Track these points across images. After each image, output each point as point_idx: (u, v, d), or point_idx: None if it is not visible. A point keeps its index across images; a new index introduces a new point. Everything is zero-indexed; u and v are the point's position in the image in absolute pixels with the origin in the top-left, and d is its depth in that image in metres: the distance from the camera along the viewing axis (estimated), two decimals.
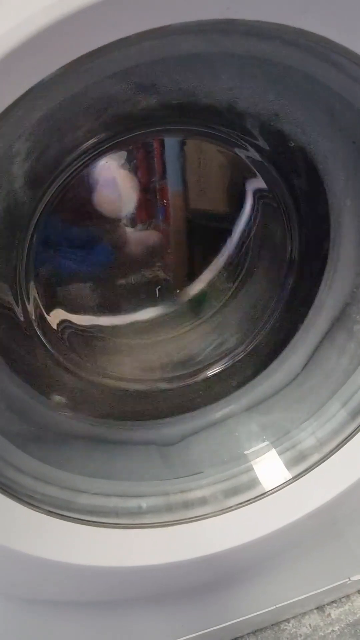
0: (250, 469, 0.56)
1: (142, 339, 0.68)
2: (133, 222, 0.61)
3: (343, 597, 0.72)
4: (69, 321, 0.63)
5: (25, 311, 0.56)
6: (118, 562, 0.47)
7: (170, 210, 0.62)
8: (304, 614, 0.71)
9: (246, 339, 0.66)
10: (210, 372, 0.65)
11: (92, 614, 0.54)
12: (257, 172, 0.59)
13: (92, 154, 0.52)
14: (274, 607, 0.65)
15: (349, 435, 0.53)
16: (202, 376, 0.65)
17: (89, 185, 0.56)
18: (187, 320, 0.68)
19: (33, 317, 0.57)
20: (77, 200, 0.56)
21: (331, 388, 0.57)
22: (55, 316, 0.61)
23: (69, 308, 0.62)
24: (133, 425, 0.60)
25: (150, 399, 0.64)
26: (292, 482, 0.53)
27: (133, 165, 0.57)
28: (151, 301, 0.67)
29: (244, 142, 0.55)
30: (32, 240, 0.54)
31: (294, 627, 0.70)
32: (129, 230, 0.61)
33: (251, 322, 0.66)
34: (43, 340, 0.58)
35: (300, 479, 0.53)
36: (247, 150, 0.57)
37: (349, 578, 0.68)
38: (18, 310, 0.55)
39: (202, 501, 0.53)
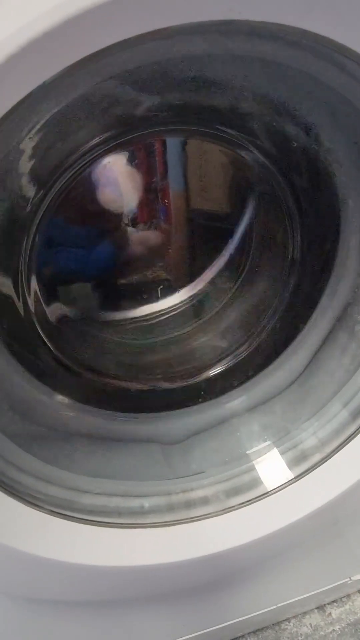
0: (252, 468, 0.56)
1: (144, 338, 0.68)
2: (135, 221, 0.61)
3: (344, 596, 0.72)
4: (71, 319, 0.63)
5: (27, 310, 0.56)
6: (120, 561, 0.47)
7: (171, 210, 0.62)
8: (305, 613, 0.71)
9: (248, 338, 0.66)
10: (212, 372, 0.65)
11: (93, 613, 0.54)
12: (259, 172, 0.59)
13: (94, 154, 0.52)
14: (274, 606, 0.65)
15: (350, 436, 0.53)
16: (203, 376, 0.65)
17: (91, 185, 0.56)
18: (188, 319, 0.68)
19: (34, 316, 0.57)
20: (80, 200, 0.56)
21: (333, 388, 0.57)
22: (57, 315, 0.61)
23: (70, 307, 0.62)
24: (135, 425, 0.60)
25: (152, 399, 0.64)
26: (293, 482, 0.53)
27: (135, 165, 0.57)
28: (153, 300, 0.67)
29: (246, 143, 0.55)
30: (35, 238, 0.54)
31: (295, 626, 0.70)
32: (130, 229, 0.62)
33: (252, 321, 0.66)
34: (45, 339, 0.58)
35: (302, 479, 0.53)
36: (249, 150, 0.57)
37: (350, 578, 0.68)
38: (20, 309, 0.56)
39: (204, 501, 0.53)
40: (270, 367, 0.62)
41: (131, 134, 0.52)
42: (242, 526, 0.51)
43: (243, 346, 0.66)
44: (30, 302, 0.56)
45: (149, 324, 0.67)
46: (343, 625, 0.70)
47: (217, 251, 0.67)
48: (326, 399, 0.57)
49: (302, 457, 0.55)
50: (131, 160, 0.57)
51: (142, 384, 0.65)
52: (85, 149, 0.51)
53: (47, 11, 0.29)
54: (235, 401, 0.62)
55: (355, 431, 0.53)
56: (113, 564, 0.47)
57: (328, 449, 0.54)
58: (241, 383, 0.63)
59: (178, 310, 0.68)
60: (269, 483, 0.54)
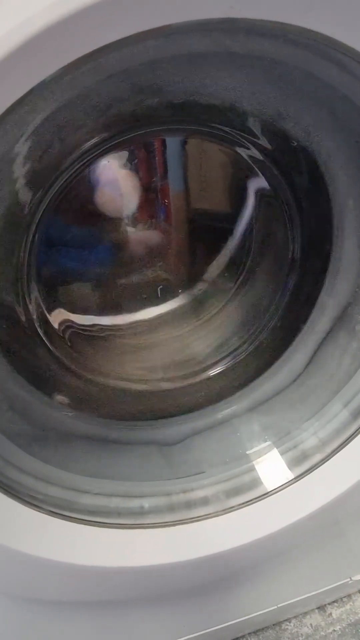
0: (252, 469, 0.55)
1: (144, 338, 0.67)
2: (134, 221, 0.61)
3: (344, 596, 0.72)
4: (71, 321, 0.63)
5: (26, 311, 0.56)
6: (120, 562, 0.47)
7: (171, 209, 0.62)
8: (306, 613, 0.71)
9: (248, 338, 0.66)
10: (212, 372, 0.65)
11: (93, 614, 0.54)
12: (259, 172, 0.59)
13: (93, 154, 0.52)
14: (275, 606, 0.65)
15: (351, 436, 0.53)
16: (203, 376, 0.65)
17: (90, 185, 0.56)
18: (188, 320, 0.68)
19: (34, 317, 0.57)
20: (79, 200, 0.55)
21: (333, 388, 0.57)
22: (57, 316, 0.61)
23: (70, 308, 0.62)
24: (135, 425, 0.60)
25: (152, 399, 0.64)
26: (294, 482, 0.53)
27: (134, 165, 0.57)
28: (153, 301, 0.67)
29: (246, 142, 0.55)
30: (34, 240, 0.54)
31: (296, 626, 0.70)
32: (130, 230, 0.61)
33: (253, 321, 0.66)
34: (44, 339, 0.58)
35: (303, 479, 0.53)
36: (249, 149, 0.56)
37: (351, 578, 0.68)
38: (19, 310, 0.55)
39: (204, 501, 0.53)
40: (271, 367, 0.62)
41: (130, 134, 0.52)
42: (243, 526, 0.51)
43: (243, 346, 0.65)
44: (30, 302, 0.56)
45: (149, 324, 0.67)
46: (344, 625, 0.70)
47: (217, 251, 0.67)
48: (326, 399, 0.57)
49: (302, 457, 0.54)
50: (130, 160, 0.57)
51: (143, 385, 0.65)
52: (84, 149, 0.50)
53: (46, 8, 0.29)
54: (235, 401, 0.62)
55: (355, 431, 0.53)
56: (113, 564, 0.47)
57: (328, 449, 0.53)
58: (241, 383, 0.63)
59: (178, 310, 0.68)
60: (269, 483, 0.53)
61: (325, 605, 0.71)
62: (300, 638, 0.69)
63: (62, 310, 0.61)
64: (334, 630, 0.69)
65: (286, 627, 0.69)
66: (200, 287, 0.68)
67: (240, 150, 0.57)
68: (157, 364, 0.67)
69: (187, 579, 0.52)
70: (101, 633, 0.57)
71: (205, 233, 0.66)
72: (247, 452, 0.57)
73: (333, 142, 0.50)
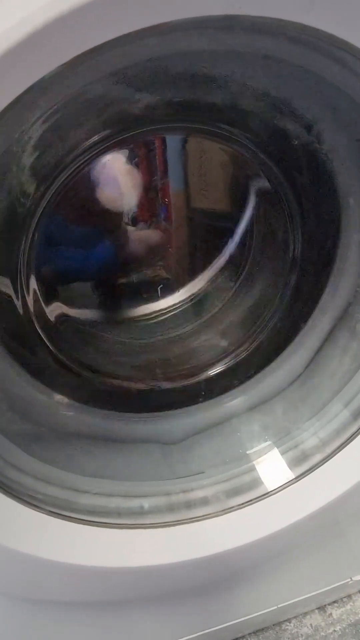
0: (253, 469, 0.55)
1: (144, 337, 0.67)
2: (135, 220, 0.61)
3: (345, 597, 0.72)
4: (70, 319, 0.62)
5: (26, 309, 0.56)
6: (120, 562, 0.47)
7: (171, 208, 0.62)
8: (306, 614, 0.71)
9: (248, 338, 0.65)
10: (212, 372, 0.65)
11: (93, 614, 0.54)
12: (259, 170, 0.58)
13: (93, 152, 0.52)
14: (275, 607, 0.65)
15: (351, 436, 0.53)
16: (203, 375, 0.65)
17: (90, 183, 0.56)
18: (188, 319, 0.68)
19: (34, 315, 0.57)
20: (79, 198, 0.55)
21: (333, 388, 0.57)
22: (57, 314, 0.61)
23: (70, 306, 0.62)
24: (135, 424, 0.60)
25: (152, 399, 0.64)
26: (294, 482, 0.53)
27: (135, 164, 0.57)
28: (153, 299, 0.67)
29: (246, 140, 0.55)
30: (34, 237, 0.54)
31: (296, 627, 0.69)
32: (130, 228, 0.61)
33: (253, 321, 0.66)
34: (44, 338, 0.58)
35: (303, 479, 0.53)
36: (250, 148, 0.56)
37: (351, 578, 0.68)
38: (19, 308, 0.55)
39: (204, 501, 0.52)
40: (271, 367, 0.62)
41: (131, 132, 0.52)
42: (243, 527, 0.51)
43: (243, 345, 0.65)
44: (29, 301, 0.56)
45: (149, 323, 0.67)
46: (344, 625, 0.70)
47: (217, 250, 0.66)
48: (327, 399, 0.57)
49: (302, 457, 0.54)
50: (131, 158, 0.57)
51: (142, 384, 0.65)
52: (85, 147, 0.50)
53: (45, 6, 0.28)
54: (236, 401, 0.62)
55: (356, 431, 0.53)
56: (112, 564, 0.47)
57: (329, 449, 0.53)
58: (241, 382, 0.62)
59: (178, 310, 0.68)
60: (270, 483, 0.53)
61: (325, 605, 0.71)
62: (301, 638, 0.69)
63: (61, 308, 0.61)
64: (334, 631, 0.69)
65: (286, 627, 0.69)
66: (200, 286, 0.68)
67: (240, 148, 0.57)
68: (157, 363, 0.67)
69: (187, 579, 0.52)
70: (101, 633, 0.57)
71: (205, 232, 0.66)
72: (247, 452, 0.57)
73: (334, 140, 0.50)
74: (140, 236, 0.62)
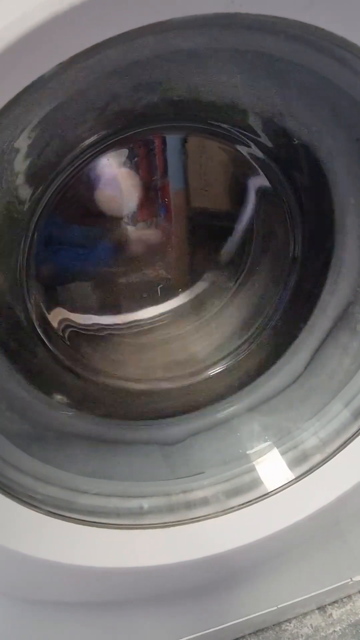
0: (253, 469, 0.55)
1: (144, 338, 0.67)
2: (134, 220, 0.61)
3: (345, 597, 0.72)
4: (70, 320, 0.62)
5: (25, 310, 0.56)
6: (119, 563, 0.47)
7: (171, 208, 0.62)
8: (306, 614, 0.70)
9: (248, 338, 0.65)
10: (212, 372, 0.65)
11: (92, 614, 0.54)
12: (259, 170, 0.58)
13: (93, 152, 0.52)
14: (275, 607, 0.65)
15: (352, 436, 0.53)
16: (203, 376, 0.65)
17: (90, 183, 0.55)
18: (188, 319, 0.68)
19: (34, 316, 0.57)
20: (78, 198, 0.55)
21: (334, 388, 0.56)
22: (56, 315, 0.60)
23: (69, 307, 0.62)
24: (135, 424, 0.60)
25: (152, 399, 0.64)
26: (294, 483, 0.53)
27: (134, 163, 0.57)
28: (153, 300, 0.66)
29: (246, 140, 0.55)
30: (33, 239, 0.53)
31: (296, 627, 0.69)
32: (130, 228, 0.61)
33: (253, 321, 0.66)
34: (44, 339, 0.58)
35: (303, 479, 0.53)
36: (250, 147, 0.56)
37: (351, 578, 0.68)
38: (18, 309, 0.55)
39: (204, 502, 0.52)
40: (271, 367, 0.62)
41: (130, 131, 0.52)
42: (243, 527, 0.51)
43: (243, 345, 0.65)
44: (29, 302, 0.56)
45: (149, 323, 0.67)
46: (344, 626, 0.70)
47: (217, 250, 0.66)
48: (327, 399, 0.56)
49: (303, 458, 0.54)
50: (130, 158, 0.56)
51: (142, 384, 0.65)
52: (84, 146, 0.50)
53: (45, 3, 0.28)
54: (236, 401, 0.62)
55: (356, 431, 0.53)
56: (112, 565, 0.47)
57: (329, 449, 0.53)
58: (241, 382, 0.62)
59: (178, 310, 0.68)
60: (270, 484, 0.53)
61: (325, 605, 0.71)
62: (301, 639, 0.68)
63: (61, 309, 0.61)
64: (334, 631, 0.69)
65: (286, 627, 0.69)
66: (200, 286, 0.67)
67: (240, 148, 0.57)
68: (157, 363, 0.67)
69: (187, 579, 0.51)
70: (101, 633, 0.56)
71: (205, 232, 0.66)
72: (248, 452, 0.57)
73: (334, 139, 0.50)
74: (140, 236, 0.62)
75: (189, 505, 0.52)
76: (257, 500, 0.52)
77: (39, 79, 0.31)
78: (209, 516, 0.51)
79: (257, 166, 0.58)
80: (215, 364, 0.65)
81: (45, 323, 0.59)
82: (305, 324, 0.61)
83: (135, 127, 0.52)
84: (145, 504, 0.51)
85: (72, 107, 0.43)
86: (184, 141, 0.58)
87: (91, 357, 0.63)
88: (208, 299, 0.68)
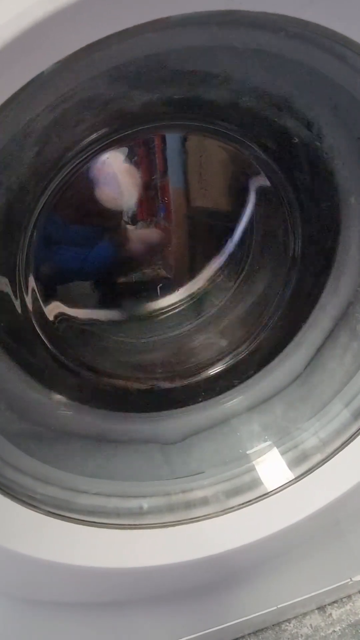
0: (252, 469, 0.55)
1: (143, 337, 0.67)
2: (134, 219, 0.61)
3: (344, 597, 0.72)
4: (69, 318, 0.62)
5: (23, 303, 0.56)
6: (119, 563, 0.47)
7: (171, 207, 0.62)
8: (305, 614, 0.70)
9: (248, 337, 0.65)
10: (212, 371, 0.65)
11: (92, 614, 0.54)
12: (259, 169, 0.58)
13: (93, 150, 0.51)
14: (275, 607, 0.65)
15: (351, 436, 0.53)
16: (203, 375, 0.64)
17: (89, 182, 0.55)
18: (188, 318, 0.68)
19: (31, 310, 0.57)
20: (78, 197, 0.55)
21: (334, 388, 0.56)
22: (54, 310, 0.60)
23: (68, 305, 0.62)
24: (134, 424, 0.59)
25: (151, 398, 0.64)
26: (294, 483, 0.53)
27: (134, 162, 0.57)
28: (152, 299, 0.66)
29: (246, 138, 0.55)
30: (33, 235, 0.53)
31: (295, 627, 0.69)
32: (130, 227, 0.61)
33: (253, 320, 0.65)
34: (41, 335, 0.58)
35: (303, 479, 0.53)
36: (250, 146, 0.56)
37: (351, 578, 0.68)
38: (16, 303, 0.55)
39: (204, 501, 0.52)
40: (271, 366, 0.62)
41: (130, 130, 0.52)
42: (242, 527, 0.51)
43: (243, 345, 0.65)
44: (28, 300, 0.56)
45: (149, 323, 0.67)
46: (344, 626, 0.70)
47: (217, 249, 0.66)
48: (327, 399, 0.56)
49: (302, 458, 0.54)
50: (130, 157, 0.56)
51: (142, 383, 0.64)
52: (84, 145, 0.50)
53: (43, 0, 0.28)
54: (235, 400, 0.61)
55: (356, 431, 0.53)
56: (112, 565, 0.47)
57: (329, 449, 0.53)
58: (241, 382, 0.62)
59: (178, 309, 0.68)
60: (270, 483, 0.53)
61: (325, 605, 0.71)
62: (300, 639, 0.68)
63: (60, 307, 0.61)
64: (334, 631, 0.69)
65: (286, 627, 0.69)
66: (200, 285, 0.67)
67: (240, 147, 0.56)
68: (156, 362, 0.66)
69: (187, 579, 0.51)
70: (101, 633, 0.56)
71: (205, 231, 0.65)
72: (247, 452, 0.57)
73: (334, 138, 0.50)
74: (139, 235, 0.62)
75: (189, 505, 0.52)
76: (256, 500, 0.52)
77: (38, 75, 0.31)
78: (209, 516, 0.51)
79: (257, 165, 0.58)
80: (215, 363, 0.65)
81: (44, 321, 0.59)
82: (305, 324, 0.61)
83: (135, 126, 0.52)
84: (145, 504, 0.51)
85: (72, 105, 0.42)
86: (184, 140, 0.57)
87: (90, 356, 0.63)
88: (208, 298, 0.68)
